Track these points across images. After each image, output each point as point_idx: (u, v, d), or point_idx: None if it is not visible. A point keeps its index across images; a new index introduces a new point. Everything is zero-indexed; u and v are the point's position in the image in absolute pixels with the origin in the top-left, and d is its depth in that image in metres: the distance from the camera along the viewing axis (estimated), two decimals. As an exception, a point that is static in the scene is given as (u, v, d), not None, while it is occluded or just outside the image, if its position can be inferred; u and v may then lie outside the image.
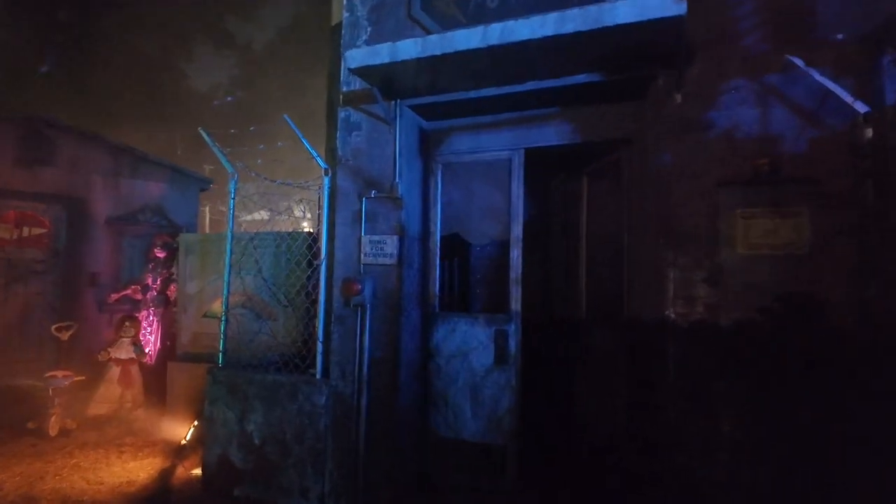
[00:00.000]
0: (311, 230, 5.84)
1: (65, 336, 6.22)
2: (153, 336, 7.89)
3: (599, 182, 4.11)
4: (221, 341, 4.52)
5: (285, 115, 3.85)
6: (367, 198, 3.87)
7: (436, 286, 4.11)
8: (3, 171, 7.40)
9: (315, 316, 5.88)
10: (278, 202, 5.44)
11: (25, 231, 7.78)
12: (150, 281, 7.95)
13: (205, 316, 6.04)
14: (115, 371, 6.03)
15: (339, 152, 4.03)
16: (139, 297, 7.97)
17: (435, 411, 4.03)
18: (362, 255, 3.85)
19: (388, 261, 3.76)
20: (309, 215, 6.16)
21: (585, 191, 4.21)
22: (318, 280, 5.40)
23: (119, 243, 8.40)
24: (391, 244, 3.76)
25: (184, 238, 6.17)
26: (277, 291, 5.60)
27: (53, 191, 7.81)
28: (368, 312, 3.79)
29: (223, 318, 4.54)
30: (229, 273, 4.59)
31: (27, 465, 4.77)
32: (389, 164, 3.85)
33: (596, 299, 4.04)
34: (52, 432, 5.48)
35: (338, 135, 4.06)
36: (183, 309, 6.12)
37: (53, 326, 6.25)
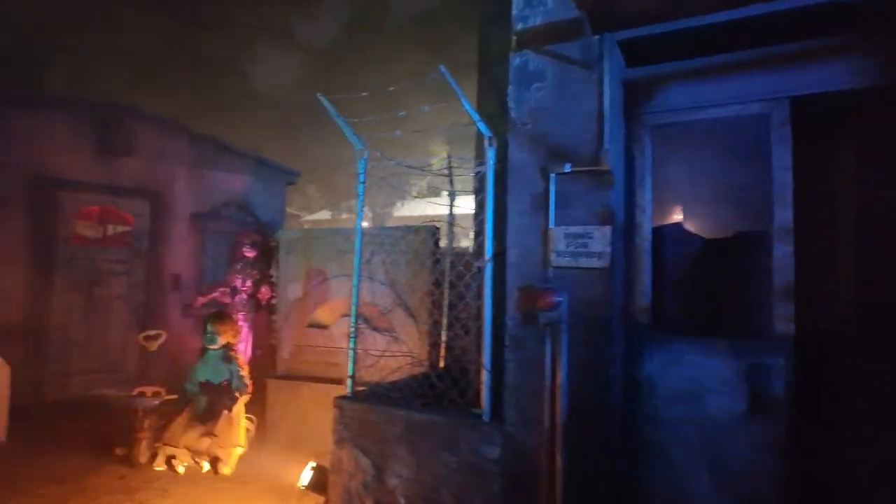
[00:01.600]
0: (435, 223, 4.83)
1: (153, 346, 5.50)
2: (244, 345, 7.14)
3: None
4: (350, 364, 3.55)
5: (441, 67, 2.81)
6: (556, 174, 2.77)
7: (646, 297, 2.97)
8: (82, 162, 6.82)
9: (439, 326, 4.87)
10: (402, 188, 4.46)
11: (109, 229, 7.20)
12: (238, 283, 7.21)
13: (309, 326, 5.15)
14: (200, 401, 5.12)
15: (512, 114, 2.95)
16: (227, 300, 7.25)
17: (648, 473, 2.89)
18: (552, 255, 2.75)
19: (594, 262, 2.64)
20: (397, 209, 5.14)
21: None
22: (448, 285, 4.38)
23: (201, 242, 7.73)
24: (599, 238, 2.64)
25: (284, 235, 5.30)
26: (398, 298, 4.62)
27: (135, 184, 7.19)
28: (565, 334, 2.69)
29: (352, 336, 3.56)
30: (358, 275, 3.60)
31: (120, 498, 4.01)
32: (588, 126, 2.74)
33: None
34: (142, 460, 4.73)
35: (509, 91, 2.97)
36: (283, 317, 5.26)
37: (141, 335, 5.54)
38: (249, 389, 4.44)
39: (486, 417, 2.95)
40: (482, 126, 3.01)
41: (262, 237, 7.42)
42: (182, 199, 7.57)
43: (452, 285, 4.04)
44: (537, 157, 2.86)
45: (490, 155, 3.04)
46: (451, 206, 4.73)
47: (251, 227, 7.89)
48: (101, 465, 4.71)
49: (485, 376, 2.98)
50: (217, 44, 20.70)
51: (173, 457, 4.38)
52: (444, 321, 4.54)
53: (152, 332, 5.56)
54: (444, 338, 4.55)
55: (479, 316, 3.12)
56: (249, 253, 7.20)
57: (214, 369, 4.49)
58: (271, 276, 5.76)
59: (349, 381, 3.52)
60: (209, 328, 4.63)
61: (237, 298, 7.15)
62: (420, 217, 9.39)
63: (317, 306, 5.11)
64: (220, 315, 4.83)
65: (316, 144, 20.22)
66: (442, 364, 4.59)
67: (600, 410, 2.67)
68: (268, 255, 7.20)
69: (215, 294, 7.21)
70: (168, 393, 5.03)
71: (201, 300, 7.20)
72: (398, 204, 28.67)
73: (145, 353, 6.87)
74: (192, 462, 4.30)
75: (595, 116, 2.74)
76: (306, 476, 3.83)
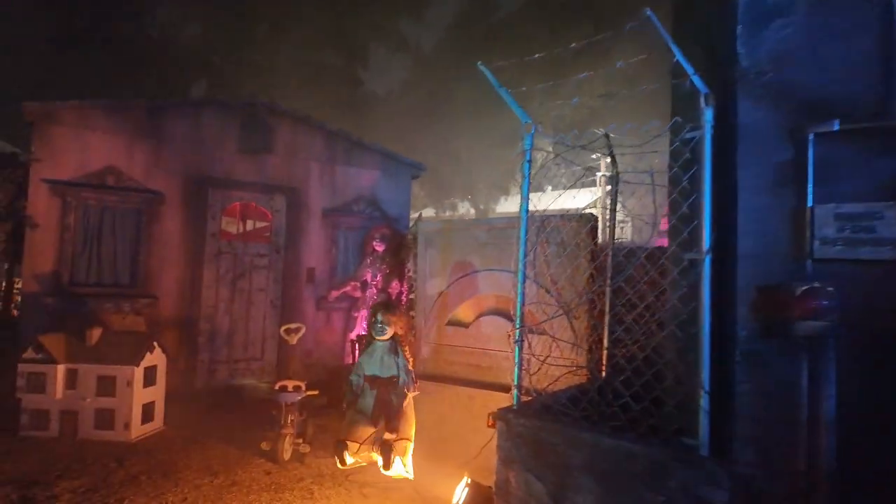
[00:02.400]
0: (591, 210, 4.22)
1: (293, 339, 5.45)
2: (372, 340, 7.01)
3: None
4: (516, 371, 3.07)
5: (648, 10, 2.22)
6: (816, 134, 2.07)
7: (943, 302, 2.16)
8: (227, 159, 7.07)
9: (598, 329, 4.26)
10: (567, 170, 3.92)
11: (249, 224, 7.43)
12: (368, 277, 7.11)
13: (449, 324, 4.79)
14: (368, 397, 4.21)
15: (743, 62, 2.28)
16: (358, 294, 7.18)
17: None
18: (815, 244, 2.05)
19: (885, 253, 1.91)
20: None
21: None
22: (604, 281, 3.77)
23: (334, 236, 7.74)
24: (893, 220, 1.90)
25: (424, 228, 4.98)
26: (555, 296, 4.08)
27: (273, 180, 7.35)
28: (832, 351, 1.99)
29: (517, 340, 3.08)
30: (524, 270, 3.11)
31: (268, 498, 3.90)
32: (864, 70, 2.01)
33: None
34: (286, 456, 4.64)
35: (738, 32, 2.31)
36: (422, 314, 4.93)
37: (282, 328, 5.51)
38: (417, 386, 4.07)
39: (703, 451, 2.32)
40: (697, 80, 2.37)
41: (392, 231, 7.26)
42: (316, 194, 7.62)
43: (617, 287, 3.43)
44: (781, 116, 2.18)
45: (707, 117, 2.39)
46: (615, 190, 4.12)
47: (379, 221, 7.78)
48: (248, 459, 4.69)
49: (703, 399, 2.34)
50: (336, 50, 21.51)
51: (345, 450, 3.96)
52: (606, 323, 3.94)
53: (293, 326, 5.52)
54: (605, 343, 3.95)
55: (690, 321, 2.48)
56: (380, 247, 7.07)
57: (382, 362, 3.98)
58: (406, 271, 5.47)
59: (514, 392, 3.04)
60: (378, 318, 4.04)
61: (368, 292, 7.05)
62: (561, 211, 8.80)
63: (458, 303, 4.71)
64: (389, 304, 4.40)
65: (420, 140, 20.22)
66: (603, 373, 3.99)
67: (888, 461, 1.94)
68: (398, 249, 7.01)
69: (347, 288, 7.17)
70: (308, 388, 4.92)
71: (335, 293, 7.19)
72: (501, 200, 28.04)
73: (284, 345, 6.98)
74: (370, 460, 3.96)
75: (876, 56, 2.00)
76: (460, 492, 3.42)
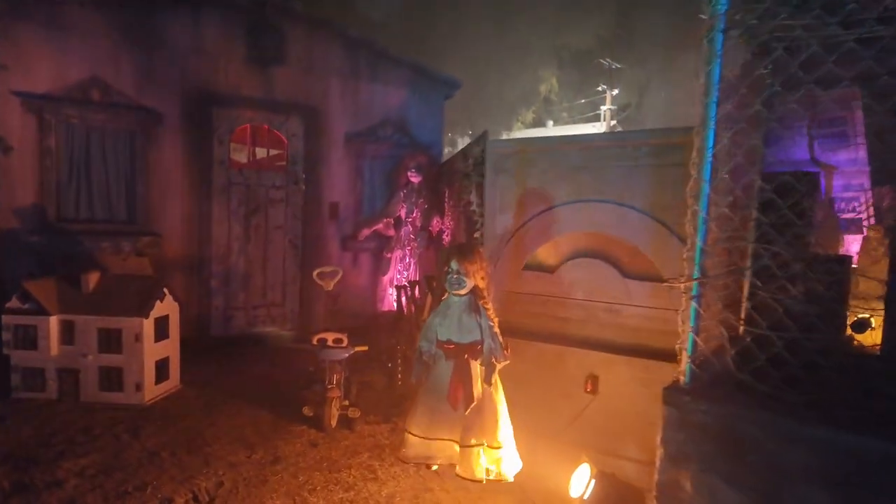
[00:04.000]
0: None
1: (329, 285, 4.62)
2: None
3: None
4: (689, 340, 2.21)
5: None
6: None
7: None
8: (233, 71, 5.95)
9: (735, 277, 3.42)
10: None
11: (261, 151, 6.42)
12: (402, 213, 6.20)
13: (526, 268, 3.93)
14: (443, 370, 3.14)
15: None
16: (391, 232, 6.29)
17: None
18: None
19: None
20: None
21: None
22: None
23: (358, 166, 6.75)
24: None
25: (493, 148, 4.01)
26: (666, 231, 3.23)
27: (287, 98, 6.26)
28: None
29: (693, 292, 2.19)
30: (707, 188, 2.17)
31: (322, 479, 3.17)
32: None
33: None
34: (333, 423, 3.92)
35: None
36: (490, 256, 4.07)
37: (316, 272, 4.67)
38: (508, 353, 3.05)
39: None
40: None
41: (430, 160, 6.28)
42: (337, 116, 6.56)
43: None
44: None
45: None
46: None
47: (408, 149, 6.77)
48: (286, 426, 3.95)
49: None
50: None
51: (417, 450, 3.12)
52: (748, 272, 3.09)
53: (328, 269, 4.67)
54: (745, 295, 3.12)
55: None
56: (415, 178, 6.12)
57: (460, 324, 3.01)
58: (464, 204, 4.56)
59: (687, 365, 2.21)
60: (453, 266, 3.03)
61: (403, 231, 6.16)
62: None
63: (539, 243, 3.84)
64: (465, 248, 3.28)
65: (449, 60, 18.49)
66: (741, 330, 3.18)
67: None
68: (437, 180, 6.07)
69: (379, 226, 6.29)
70: (357, 343, 4.12)
71: (366, 232, 6.30)
72: (503, 133, 26.51)
73: (311, 291, 6.17)
74: (446, 458, 3.09)
75: None
76: (582, 484, 2.68)
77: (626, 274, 3.52)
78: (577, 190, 3.62)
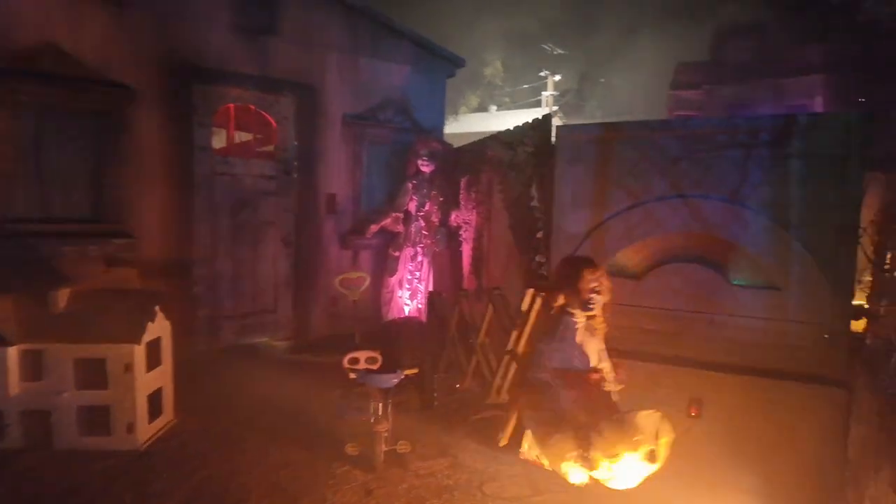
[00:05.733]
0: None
1: (356, 294, 3.96)
2: (423, 286, 5.58)
3: None
4: None
5: None
6: None
7: None
8: (217, 41, 5.05)
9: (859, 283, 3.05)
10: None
11: (247, 135, 5.57)
12: (412, 207, 5.55)
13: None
14: (565, 399, 2.64)
15: None
16: (399, 228, 5.62)
17: None
18: None
19: None
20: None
21: None
22: None
23: (357, 153, 6.01)
24: None
25: (566, 136, 3.45)
26: (783, 234, 2.82)
27: (280, 74, 5.42)
28: None
29: None
30: None
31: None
32: None
33: None
34: (379, 463, 3.29)
35: None
36: (559, 259, 3.53)
37: (338, 279, 4.01)
38: (625, 375, 2.65)
39: None
40: None
41: (444, 146, 5.65)
42: (335, 95, 5.78)
43: None
44: None
45: None
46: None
47: (410, 133, 6.11)
48: (328, 469, 3.28)
49: None
50: None
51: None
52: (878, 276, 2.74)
53: (353, 275, 4.02)
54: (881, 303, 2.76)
55: None
56: (427, 167, 5.48)
57: (579, 349, 2.62)
58: (524, 197, 3.97)
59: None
60: (590, 277, 2.64)
61: (413, 227, 5.53)
62: (475, 134, 7.33)
63: (623, 244, 3.34)
64: (594, 264, 2.80)
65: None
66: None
67: None
68: (453, 169, 5.46)
69: (387, 221, 5.61)
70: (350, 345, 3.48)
71: (374, 228, 5.60)
72: (450, 119, 25.91)
73: (319, 296, 5.44)
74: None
75: None
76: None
77: (730, 280, 3.08)
78: (675, 183, 3.13)
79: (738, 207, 3.00)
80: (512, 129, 4.17)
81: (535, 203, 3.60)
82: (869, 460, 2.39)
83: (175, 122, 4.89)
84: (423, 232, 5.53)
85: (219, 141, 5.43)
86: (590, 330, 2.58)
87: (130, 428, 3.43)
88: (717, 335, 3.10)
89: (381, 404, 3.34)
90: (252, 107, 5.39)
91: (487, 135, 4.89)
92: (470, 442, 3.65)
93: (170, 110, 4.86)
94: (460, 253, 5.25)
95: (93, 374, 3.38)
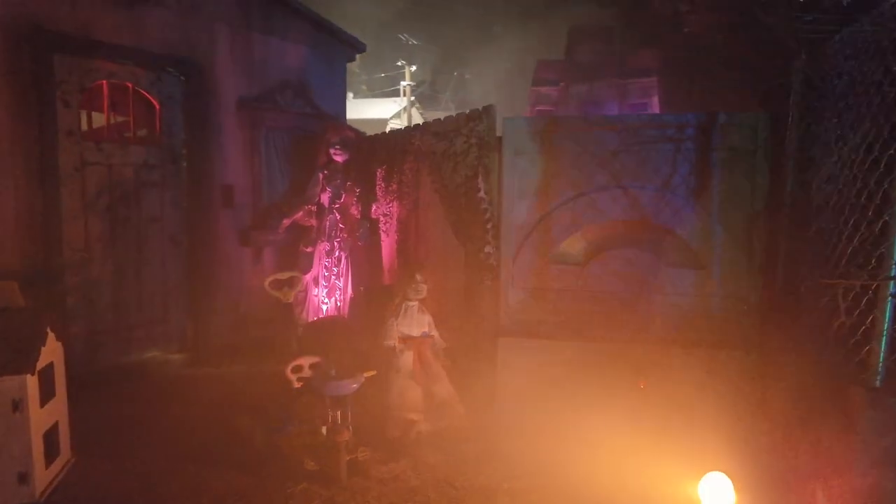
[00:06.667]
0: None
1: (288, 297, 3.66)
2: (341, 282, 5.33)
3: None
4: (884, 335, 2.10)
5: None
6: None
7: None
8: (84, 3, 4.23)
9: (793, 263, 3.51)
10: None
11: (124, 117, 4.79)
12: (325, 199, 5.24)
13: (553, 262, 3.56)
14: (407, 358, 3.53)
15: None
16: (312, 222, 5.26)
17: None
18: None
19: None
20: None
21: None
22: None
23: (254, 139, 5.47)
24: None
25: (511, 128, 3.47)
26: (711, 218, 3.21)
27: (162, 48, 4.71)
28: None
29: (891, 286, 2.08)
30: None
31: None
32: None
33: None
34: (344, 475, 3.09)
35: None
36: (508, 249, 3.59)
37: (268, 281, 3.65)
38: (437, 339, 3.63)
39: None
40: None
41: (357, 134, 5.41)
42: (227, 74, 5.19)
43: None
44: None
45: None
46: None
47: (312, 119, 5.75)
48: (284, 490, 3.00)
49: None
50: None
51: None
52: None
53: (283, 276, 3.68)
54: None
55: None
56: (340, 157, 5.22)
57: (411, 321, 3.58)
58: (377, 188, 3.94)
59: (880, 366, 2.11)
60: (418, 277, 3.58)
61: (327, 221, 5.25)
62: (368, 121, 7.58)
63: (569, 233, 3.50)
64: (420, 268, 3.72)
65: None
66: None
67: None
68: (368, 159, 5.26)
69: (299, 215, 5.25)
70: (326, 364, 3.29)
71: (287, 222, 5.19)
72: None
73: (221, 304, 4.91)
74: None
75: None
76: (714, 498, 2.49)
77: (669, 262, 3.40)
78: (615, 174, 3.36)
79: (669, 196, 3.31)
80: (442, 119, 4.12)
81: (482, 194, 3.60)
82: (778, 405, 2.88)
83: (30, 102, 4.01)
84: (340, 225, 5.25)
85: (97, 124, 4.57)
86: (422, 309, 3.58)
87: (24, 478, 2.79)
88: (656, 312, 3.42)
89: (338, 412, 3.14)
90: (130, 84, 4.62)
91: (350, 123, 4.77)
92: (424, 437, 3.59)
93: (23, 87, 3.96)
94: (380, 246, 5.09)
95: (-35, 417, 2.68)
